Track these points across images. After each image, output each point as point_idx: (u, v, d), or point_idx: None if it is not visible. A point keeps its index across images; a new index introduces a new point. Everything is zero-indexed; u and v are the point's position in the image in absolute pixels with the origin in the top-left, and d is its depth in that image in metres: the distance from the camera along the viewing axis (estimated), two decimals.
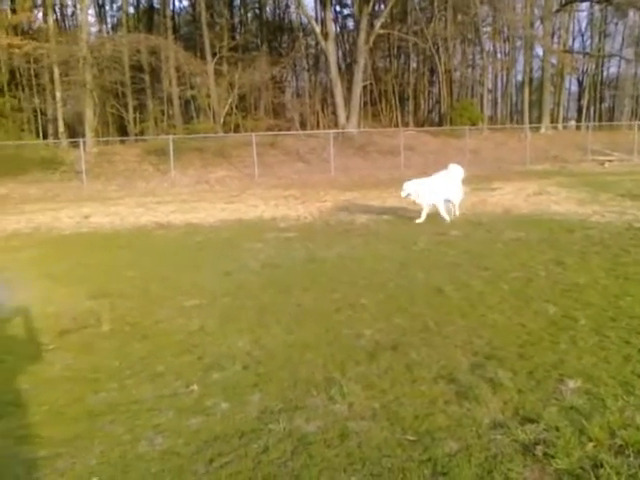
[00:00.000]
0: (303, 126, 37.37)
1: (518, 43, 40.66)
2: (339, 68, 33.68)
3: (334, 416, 3.44)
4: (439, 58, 38.03)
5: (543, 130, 35.91)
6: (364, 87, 34.89)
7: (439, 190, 11.09)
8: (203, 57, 32.87)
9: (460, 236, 9.36)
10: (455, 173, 11.58)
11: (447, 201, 11.29)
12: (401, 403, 3.55)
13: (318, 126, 38.03)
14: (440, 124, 36.82)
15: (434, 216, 10.96)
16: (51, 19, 30.54)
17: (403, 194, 10.88)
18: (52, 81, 30.14)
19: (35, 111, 32.39)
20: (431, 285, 6.31)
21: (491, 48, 41.92)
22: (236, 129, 33.91)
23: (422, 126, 36.89)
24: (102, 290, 6.61)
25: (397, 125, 38.05)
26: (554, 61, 40.12)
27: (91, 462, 3.06)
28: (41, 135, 32.14)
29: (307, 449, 3.08)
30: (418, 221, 10.97)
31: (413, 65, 43.77)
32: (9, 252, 9.42)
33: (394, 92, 41.60)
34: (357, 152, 28.09)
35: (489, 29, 41.04)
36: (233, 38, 38.61)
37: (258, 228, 11.13)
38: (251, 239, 9.77)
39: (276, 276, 7.17)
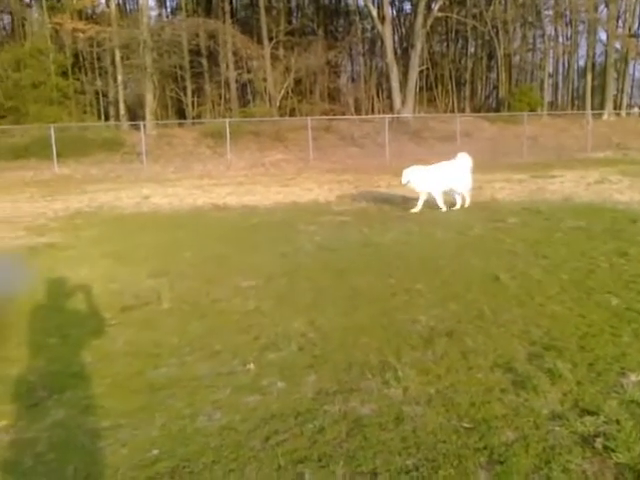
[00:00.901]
0: (358, 111, 37.18)
1: (581, 27, 39.28)
2: (395, 52, 33.25)
3: (389, 400, 3.44)
4: (498, 42, 37.07)
5: (605, 117, 34.68)
6: (420, 72, 34.37)
7: (438, 179, 10.87)
8: (260, 41, 33.03)
9: (517, 223, 9.16)
10: (463, 162, 11.29)
11: (452, 191, 11.10)
12: (457, 390, 3.53)
13: (373, 111, 37.77)
14: (497, 110, 35.98)
15: (483, 204, 10.77)
16: (113, 3, 31.19)
17: (403, 181, 10.72)
18: (114, 64, 30.88)
19: (97, 94, 33.28)
20: (487, 272, 6.21)
21: (552, 32, 40.57)
22: (292, 113, 34.02)
23: (479, 112, 36.17)
24: (162, 269, 6.79)
25: (453, 110, 37.42)
26: (618, 46, 38.54)
27: (152, 434, 3.16)
28: (103, 117, 33.03)
29: (362, 431, 3.09)
30: (414, 210, 10.79)
31: (471, 49, 42.83)
32: (73, 230, 9.75)
33: (451, 77, 40.87)
34: (412, 137, 27.76)
35: (551, 12, 39.70)
36: (290, 22, 38.64)
37: (313, 211, 11.18)
38: (306, 222, 9.82)
39: (331, 259, 7.20)
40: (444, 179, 10.91)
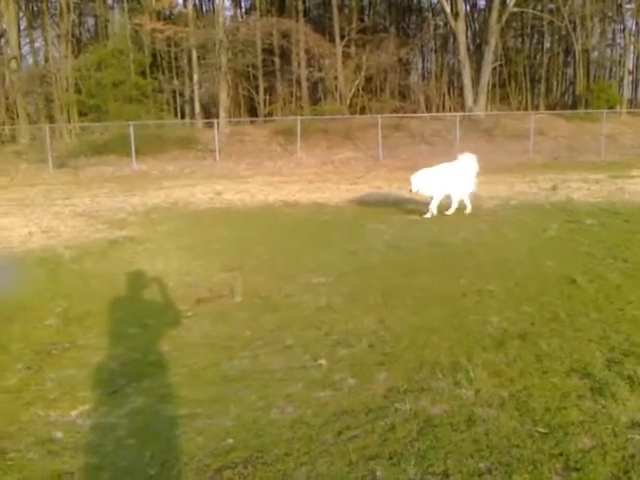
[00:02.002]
0: (428, 108, 36.68)
1: None
2: (468, 49, 32.60)
3: (460, 401, 3.41)
4: (575, 37, 35.71)
5: None
6: (493, 68, 33.55)
7: (441, 181, 10.15)
8: (332, 39, 33.08)
9: (595, 225, 8.84)
10: (466, 164, 10.56)
11: (449, 195, 10.42)
12: (531, 394, 3.45)
13: (444, 109, 37.18)
14: (573, 107, 34.63)
15: (558, 204, 10.41)
16: (190, 4, 31.94)
17: (413, 189, 9.98)
18: (190, 64, 31.65)
19: (174, 92, 34.19)
20: (563, 275, 6.03)
21: (634, 26, 38.71)
22: (362, 111, 33.92)
23: (554, 109, 34.92)
24: (234, 263, 6.94)
25: (527, 108, 36.30)
26: None
27: (226, 424, 3.25)
28: (179, 115, 33.94)
29: (433, 431, 3.08)
30: (426, 216, 10.06)
31: (547, 45, 41.35)
32: (150, 225, 10.09)
33: (525, 73, 39.66)
34: (483, 135, 27.15)
35: (633, 5, 37.87)
36: (362, 20, 38.49)
37: (382, 209, 11.15)
38: (375, 220, 9.81)
39: (401, 258, 7.18)
40: (444, 182, 10.20)
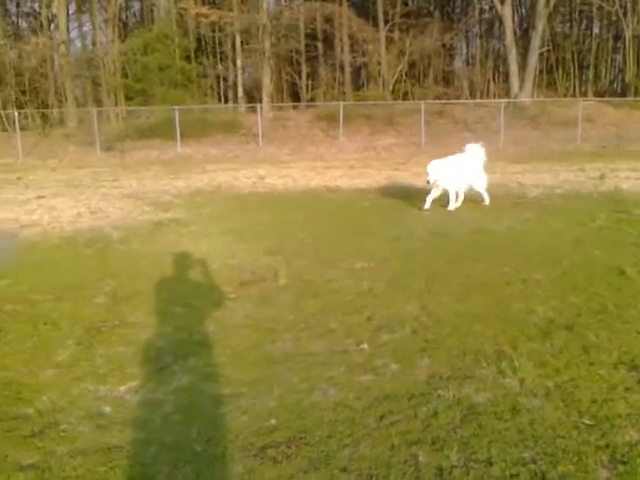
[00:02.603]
0: (472, 95, 36.07)
1: None
2: (514, 34, 31.86)
3: (504, 390, 3.38)
4: (626, 23, 34.53)
5: None
6: (540, 54, 32.73)
7: (460, 172, 9.62)
8: (376, 24, 32.79)
9: None
10: (473, 155, 9.97)
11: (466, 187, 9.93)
12: (577, 385, 3.40)
13: (488, 95, 36.50)
14: (623, 94, 33.60)
15: (606, 194, 10.12)
16: None
17: (431, 179, 9.34)
18: (234, 49, 31.82)
19: (218, 77, 34.46)
20: (611, 265, 5.89)
21: None
22: (404, 97, 33.61)
23: (602, 96, 33.94)
24: (277, 247, 7.00)
25: (574, 95, 35.36)
26: None
27: (269, 404, 3.30)
28: (222, 100, 34.21)
29: (477, 419, 3.07)
30: (450, 208, 9.61)
31: (595, 31, 40.13)
32: (194, 208, 10.24)
33: (573, 59, 38.59)
34: (529, 123, 26.58)
35: None
36: (406, 4, 37.94)
37: (425, 196, 11.04)
38: (417, 206, 9.73)
39: (443, 244, 7.13)
40: (465, 173, 9.72)
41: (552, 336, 4.13)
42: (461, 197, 9.86)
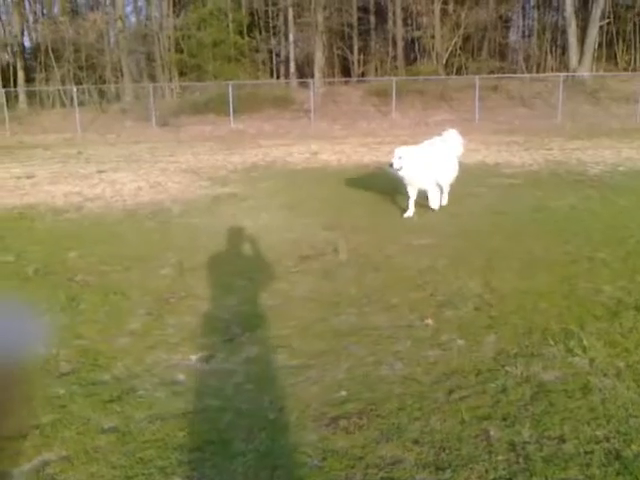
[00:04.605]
0: (528, 69, 35.05)
1: None
2: (573, 5, 30.70)
3: (574, 368, 3.34)
4: None
5: None
6: (600, 27, 31.48)
7: (434, 164, 7.67)
8: None
9: None
10: (450, 142, 8.21)
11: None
12: None
13: (545, 69, 35.39)
14: None
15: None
16: None
17: (396, 164, 7.29)
18: (286, 23, 31.71)
19: (270, 52, 34.46)
20: None
21: None
22: (458, 71, 32.93)
23: None
24: (334, 222, 7.04)
25: (635, 69, 33.97)
26: None
27: (338, 376, 3.35)
28: (274, 75, 34.23)
29: (547, 397, 3.05)
30: (434, 206, 7.63)
31: None
32: (250, 182, 10.36)
33: (635, 32, 36.99)
34: (587, 98, 25.74)
35: None
36: None
37: (481, 173, 10.90)
38: (474, 183, 9.59)
39: (503, 222, 7.03)
40: (441, 165, 7.82)
41: (621, 316, 4.04)
42: (446, 190, 8.02)
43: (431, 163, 7.53)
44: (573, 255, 5.52)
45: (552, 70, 33.46)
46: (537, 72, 33.62)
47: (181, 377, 3.43)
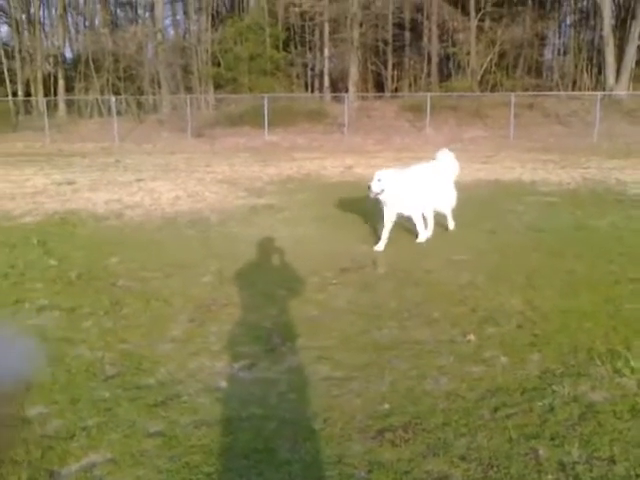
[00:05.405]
0: (564, 87, 34.72)
1: None
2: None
3: (622, 389, 3.29)
4: None
5: None
6: (638, 46, 31.06)
7: (427, 192, 7.06)
8: (466, 13, 32.06)
9: None
10: (444, 165, 7.62)
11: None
12: None
13: (581, 87, 35.03)
14: None
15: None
16: None
17: (374, 187, 6.54)
18: (321, 38, 31.96)
19: (304, 66, 34.73)
20: None
21: None
22: (493, 88, 32.75)
23: None
24: (372, 236, 7.03)
25: None
26: None
27: (382, 389, 3.34)
28: (309, 89, 34.48)
29: (595, 417, 2.99)
30: (420, 239, 6.91)
31: None
32: (286, 194, 10.42)
33: None
34: (625, 117, 25.37)
35: None
36: None
37: (517, 190, 10.79)
38: (511, 201, 9.53)
39: (542, 240, 6.95)
40: (430, 191, 7.14)
41: None
42: (431, 222, 7.24)
43: (416, 187, 6.83)
44: (616, 275, 5.43)
45: (588, 89, 33.11)
46: (572, 90, 33.30)
47: (223, 384, 3.46)
